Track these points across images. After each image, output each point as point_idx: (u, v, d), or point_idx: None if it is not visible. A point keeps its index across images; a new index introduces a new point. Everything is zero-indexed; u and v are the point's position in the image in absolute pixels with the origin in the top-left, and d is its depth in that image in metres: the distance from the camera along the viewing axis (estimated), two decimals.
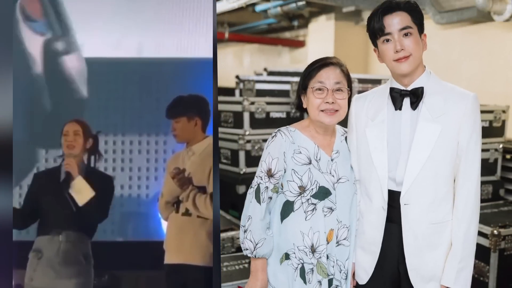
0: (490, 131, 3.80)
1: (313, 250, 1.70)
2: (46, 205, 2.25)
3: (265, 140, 2.25)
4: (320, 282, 1.70)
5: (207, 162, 2.19)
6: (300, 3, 6.09)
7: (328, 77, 1.71)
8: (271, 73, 4.63)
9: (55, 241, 2.27)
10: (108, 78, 2.43)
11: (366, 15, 6.03)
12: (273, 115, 3.66)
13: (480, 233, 2.80)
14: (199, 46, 2.36)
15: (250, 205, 1.72)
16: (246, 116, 3.56)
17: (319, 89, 1.71)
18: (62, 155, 2.29)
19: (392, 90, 1.68)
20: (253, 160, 3.52)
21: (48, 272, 2.24)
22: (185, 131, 2.30)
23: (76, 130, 2.29)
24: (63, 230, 2.27)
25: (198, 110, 2.31)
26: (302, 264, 1.70)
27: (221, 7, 5.98)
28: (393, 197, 1.65)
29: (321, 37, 6.65)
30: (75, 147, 2.29)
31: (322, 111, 1.70)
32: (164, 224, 2.27)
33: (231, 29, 7.79)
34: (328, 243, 1.71)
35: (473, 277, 1.66)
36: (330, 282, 1.72)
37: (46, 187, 2.29)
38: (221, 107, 3.71)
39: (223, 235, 2.84)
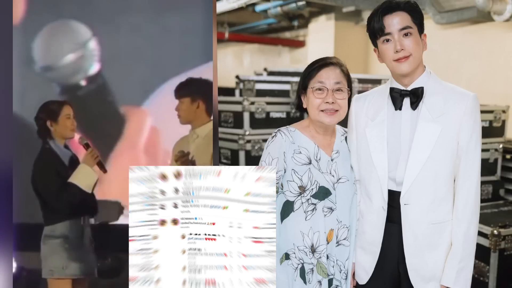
0: (490, 131, 3.80)
1: (313, 250, 1.70)
2: (63, 191, 2.28)
3: (265, 140, 2.25)
4: (320, 282, 1.70)
5: (211, 145, 2.25)
6: (300, 3, 6.09)
7: (328, 77, 1.71)
8: (271, 73, 4.63)
9: (78, 226, 2.31)
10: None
11: (366, 15, 6.03)
12: (273, 115, 3.66)
13: (480, 233, 2.80)
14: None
15: None
16: (246, 116, 3.56)
17: (319, 89, 1.71)
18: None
19: (392, 90, 1.68)
20: (253, 160, 3.52)
21: (76, 258, 2.29)
22: (188, 112, 2.42)
23: (73, 114, 2.34)
24: (83, 214, 2.33)
25: (202, 93, 2.40)
26: (302, 264, 1.70)
27: (221, 7, 5.97)
28: (393, 197, 1.65)
29: (321, 37, 6.65)
30: (75, 130, 2.34)
31: (322, 111, 1.71)
32: None
33: (231, 29, 7.78)
34: (328, 243, 1.71)
35: (473, 277, 1.66)
36: (330, 282, 1.72)
37: (54, 172, 2.30)
38: (221, 107, 3.71)
39: None
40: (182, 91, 2.43)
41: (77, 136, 2.36)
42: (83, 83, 2.57)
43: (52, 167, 2.30)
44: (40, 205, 2.31)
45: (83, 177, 2.30)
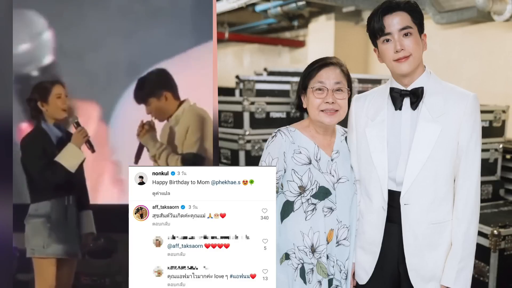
0: (490, 131, 3.80)
1: (313, 250, 1.70)
2: (48, 169, 2.26)
3: (265, 140, 2.25)
4: (320, 282, 1.70)
5: (193, 128, 2.28)
6: (300, 3, 6.09)
7: (328, 77, 1.71)
8: (271, 73, 4.63)
9: (61, 206, 2.28)
10: None
11: (366, 15, 6.03)
12: (273, 115, 3.66)
13: (480, 233, 2.80)
14: None
15: None
16: (246, 116, 3.56)
17: (319, 89, 1.71)
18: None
19: (392, 90, 1.68)
20: (253, 160, 3.52)
21: (59, 237, 2.26)
22: (161, 110, 2.36)
23: (65, 93, 2.30)
24: (67, 194, 2.30)
25: (163, 84, 2.35)
26: (302, 264, 1.70)
27: (221, 7, 5.97)
28: (393, 197, 1.65)
29: (321, 37, 6.64)
30: (66, 110, 2.31)
31: (322, 111, 1.71)
32: None
33: (231, 29, 7.78)
34: (328, 243, 1.71)
35: (473, 277, 1.66)
36: (330, 282, 1.72)
37: (41, 150, 2.28)
38: (221, 107, 3.71)
39: None
40: (143, 92, 2.34)
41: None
42: (35, 73, 2.50)
43: (39, 145, 2.27)
44: (26, 182, 2.29)
45: (68, 157, 2.26)
